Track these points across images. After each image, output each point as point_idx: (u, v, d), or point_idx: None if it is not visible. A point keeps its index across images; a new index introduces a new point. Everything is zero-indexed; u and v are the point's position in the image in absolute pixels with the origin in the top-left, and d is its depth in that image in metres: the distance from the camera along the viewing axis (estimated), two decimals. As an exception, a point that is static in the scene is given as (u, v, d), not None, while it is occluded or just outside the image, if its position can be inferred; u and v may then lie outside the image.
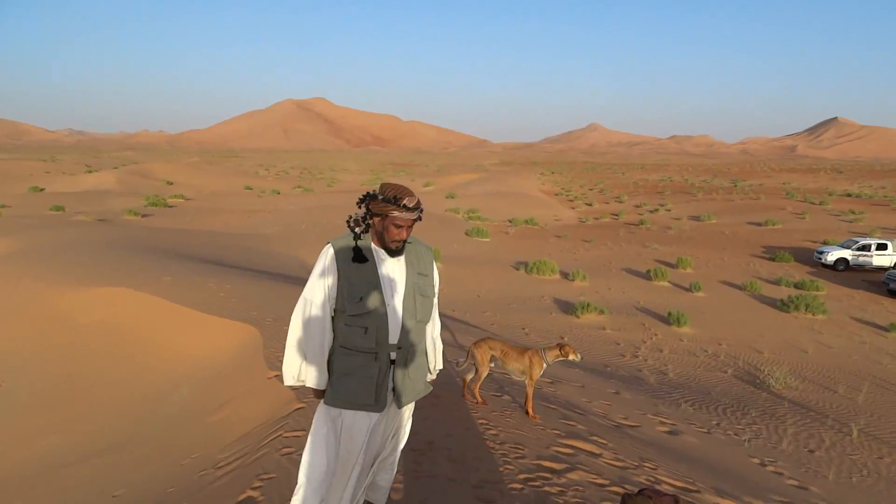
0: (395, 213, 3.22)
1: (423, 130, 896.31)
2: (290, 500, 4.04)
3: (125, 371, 9.28)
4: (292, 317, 3.31)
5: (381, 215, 3.25)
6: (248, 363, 8.38)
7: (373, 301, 3.27)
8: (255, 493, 4.27)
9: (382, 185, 3.29)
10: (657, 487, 2.05)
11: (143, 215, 41.81)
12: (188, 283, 13.13)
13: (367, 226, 3.32)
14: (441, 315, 16.19)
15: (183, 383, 8.55)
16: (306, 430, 5.48)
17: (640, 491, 1.96)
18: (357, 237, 3.29)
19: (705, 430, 9.66)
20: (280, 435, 5.30)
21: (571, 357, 6.37)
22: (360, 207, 3.34)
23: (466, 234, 38.02)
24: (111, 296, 11.69)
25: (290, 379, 3.33)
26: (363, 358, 3.28)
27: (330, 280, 3.26)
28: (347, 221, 3.30)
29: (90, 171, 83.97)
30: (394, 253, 3.33)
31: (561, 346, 6.41)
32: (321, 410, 3.37)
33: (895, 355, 18.58)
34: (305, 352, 3.28)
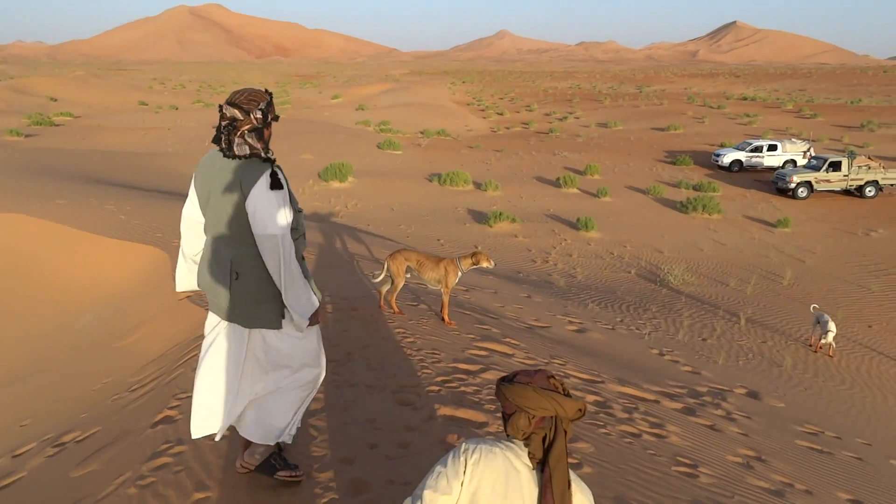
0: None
1: (329, 39, 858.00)
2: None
3: (23, 301, 8.83)
4: (283, 258, 2.98)
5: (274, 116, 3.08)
6: (157, 286, 8.15)
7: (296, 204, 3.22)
8: (172, 412, 4.26)
9: (246, 94, 2.99)
10: (530, 368, 2.06)
11: (27, 135, 38.61)
12: (85, 206, 12.42)
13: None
14: (356, 229, 16.13)
15: (88, 310, 8.25)
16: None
17: (514, 377, 1.98)
18: (272, 157, 3.05)
19: (610, 327, 10.28)
20: (196, 354, 5.25)
21: (485, 264, 6.55)
22: (265, 120, 3.01)
23: (378, 146, 37.44)
24: (1, 222, 10.92)
25: (304, 319, 3.12)
26: (301, 263, 3.24)
27: (289, 202, 3.05)
28: (253, 145, 2.97)
29: (-40, 88, 76.14)
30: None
31: (475, 255, 6.56)
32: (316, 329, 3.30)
33: (781, 249, 20.12)
34: (305, 283, 3.13)
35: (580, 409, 1.94)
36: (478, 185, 27.82)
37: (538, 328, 8.31)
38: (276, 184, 2.94)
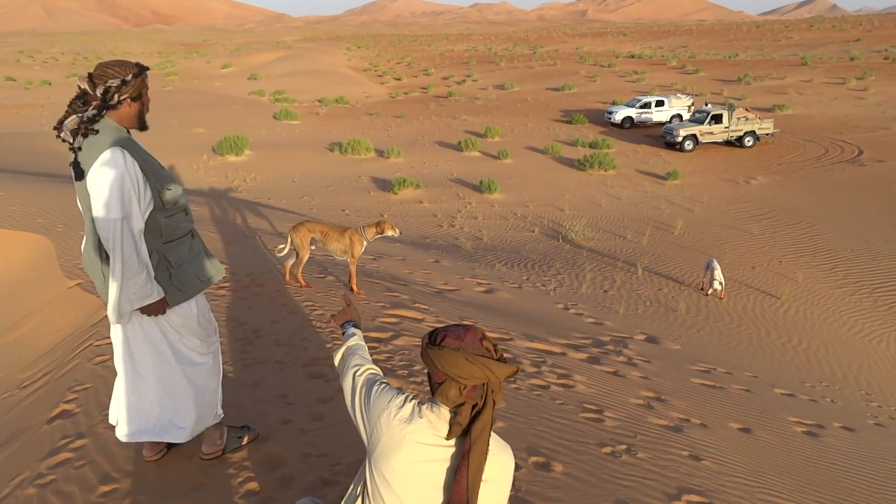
0: (146, 82, 2.99)
1: (213, 4, 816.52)
2: (108, 406, 3.90)
3: None
4: (114, 245, 2.78)
5: (145, 88, 2.97)
6: (43, 275, 7.63)
7: (174, 180, 3.09)
8: (69, 406, 4.05)
9: (113, 66, 2.84)
10: (459, 326, 1.86)
11: None
12: (-49, 195, 11.39)
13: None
14: (257, 204, 15.66)
15: (-35, 307, 7.63)
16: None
17: (443, 338, 1.83)
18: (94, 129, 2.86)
19: (517, 286, 10.55)
20: (91, 344, 4.99)
21: (389, 232, 6.54)
22: (113, 98, 2.82)
23: (274, 117, 36.27)
24: None
25: (115, 313, 2.91)
26: (186, 240, 3.14)
27: (139, 183, 2.86)
28: (91, 121, 2.80)
29: None
30: (144, 127, 3.06)
31: (379, 223, 6.54)
32: (179, 314, 3.11)
33: (671, 200, 21.20)
34: (141, 272, 2.87)
35: (513, 373, 1.81)
36: (380, 153, 27.57)
37: (447, 292, 8.41)
38: (111, 162, 2.78)
